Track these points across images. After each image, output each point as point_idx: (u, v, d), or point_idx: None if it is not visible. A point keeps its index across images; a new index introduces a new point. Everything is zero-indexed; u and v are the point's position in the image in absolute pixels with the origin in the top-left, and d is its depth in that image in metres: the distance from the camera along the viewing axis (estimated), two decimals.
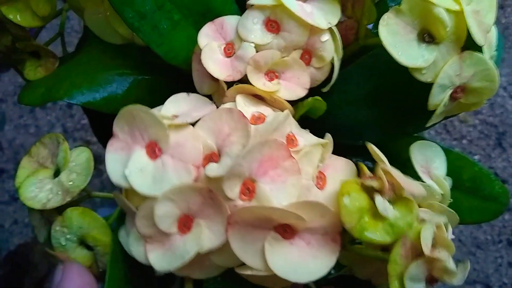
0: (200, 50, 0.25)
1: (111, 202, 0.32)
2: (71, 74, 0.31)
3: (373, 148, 0.24)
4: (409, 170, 0.32)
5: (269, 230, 0.21)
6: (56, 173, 0.28)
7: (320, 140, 0.24)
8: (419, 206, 0.26)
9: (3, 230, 0.81)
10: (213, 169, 0.20)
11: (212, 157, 0.21)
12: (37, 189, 0.27)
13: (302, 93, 0.26)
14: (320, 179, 0.23)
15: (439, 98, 0.25)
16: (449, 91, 0.25)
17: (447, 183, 0.27)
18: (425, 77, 0.25)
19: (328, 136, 0.24)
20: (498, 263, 0.81)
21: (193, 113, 0.23)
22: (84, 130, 0.89)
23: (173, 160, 0.21)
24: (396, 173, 0.22)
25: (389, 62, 0.25)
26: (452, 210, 0.26)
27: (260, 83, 0.25)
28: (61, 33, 0.37)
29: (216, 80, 0.26)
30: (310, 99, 0.25)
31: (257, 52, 0.25)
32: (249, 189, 0.21)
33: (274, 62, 0.25)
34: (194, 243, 0.20)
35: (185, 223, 0.21)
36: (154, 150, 0.21)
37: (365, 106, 0.28)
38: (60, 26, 0.36)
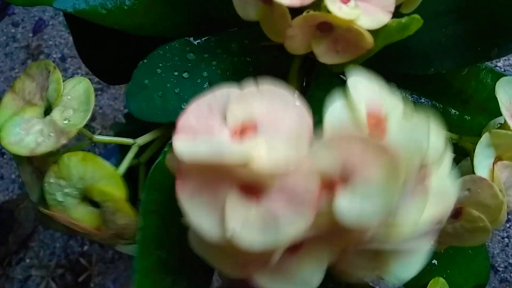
0: None
1: (117, 149, 0.26)
2: None
3: None
4: (471, 107, 0.27)
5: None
6: (47, 112, 0.22)
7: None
8: (500, 158, 0.22)
9: None
10: (348, 212, 0.15)
11: (334, 187, 0.15)
12: (23, 131, 0.21)
13: (385, 18, 0.19)
14: None
15: None
16: None
17: None
18: None
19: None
20: (505, 243, 0.78)
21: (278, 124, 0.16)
22: None
23: (282, 203, 0.15)
24: None
25: None
26: None
27: (335, 7, 0.18)
28: None
29: (267, 1, 0.19)
30: (403, 20, 0.19)
31: None
32: None
33: None
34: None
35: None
36: (250, 189, 0.15)
37: (445, 23, 0.23)
38: None
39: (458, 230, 0.23)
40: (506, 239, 0.77)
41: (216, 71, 0.23)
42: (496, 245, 0.76)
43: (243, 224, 0.15)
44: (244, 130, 0.16)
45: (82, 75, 0.68)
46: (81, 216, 0.20)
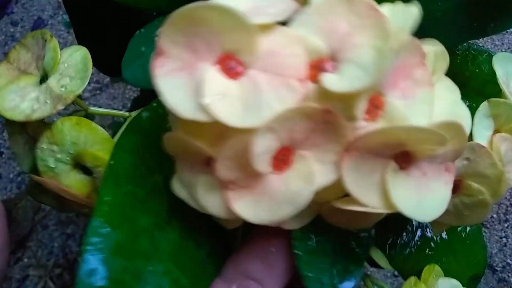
0: None
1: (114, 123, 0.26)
2: None
3: None
4: (468, 90, 0.27)
5: (389, 159, 0.16)
6: (43, 81, 0.22)
7: (438, 47, 0.18)
8: (498, 131, 0.22)
9: None
10: (336, 83, 0.14)
11: (322, 64, 0.15)
12: (19, 97, 0.21)
13: None
14: None
15: None
16: None
17: None
18: None
19: (439, 44, 0.19)
20: (503, 243, 0.78)
21: (267, 9, 0.16)
22: None
23: (267, 75, 0.15)
24: None
25: None
26: None
27: None
28: None
29: None
30: None
31: None
32: (376, 106, 0.15)
33: None
34: (303, 180, 0.15)
35: (283, 158, 0.15)
36: (231, 66, 0.15)
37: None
38: None
39: (457, 206, 0.22)
40: (504, 239, 0.77)
41: None
42: (494, 245, 0.76)
43: (222, 98, 0.14)
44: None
45: None
46: (72, 183, 0.20)
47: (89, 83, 0.22)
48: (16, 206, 0.64)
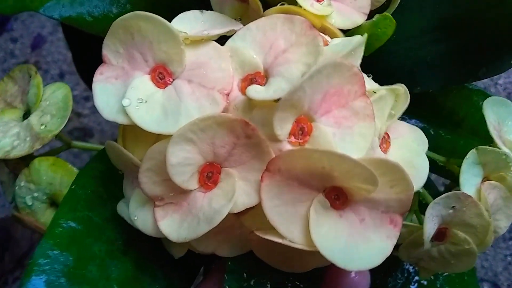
0: None
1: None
2: None
3: None
4: (463, 130, 0.27)
5: (317, 191, 0.15)
6: (26, 115, 0.22)
7: (395, 86, 0.17)
8: (487, 178, 0.21)
9: None
10: (260, 92, 0.14)
11: (256, 78, 0.15)
12: (1, 133, 0.21)
13: (360, 19, 0.19)
14: (384, 141, 0.18)
15: None
16: None
17: None
18: None
19: (402, 86, 0.18)
20: (508, 261, 0.76)
21: (213, 30, 0.17)
22: (75, 102, 0.83)
23: (191, 85, 0.15)
24: None
25: None
26: None
27: (307, 3, 0.18)
28: None
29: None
30: (375, 19, 0.19)
31: None
32: (303, 130, 0.15)
33: None
34: (225, 198, 0.15)
35: (210, 175, 0.15)
36: (162, 76, 0.15)
37: (429, 41, 0.22)
38: None
39: (443, 254, 0.21)
40: (508, 257, 0.75)
41: None
42: (498, 264, 0.74)
43: (144, 103, 0.14)
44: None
45: (80, 91, 0.69)
46: (48, 220, 0.20)
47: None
48: (14, 224, 0.64)
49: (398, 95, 0.17)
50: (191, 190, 0.15)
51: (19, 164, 0.21)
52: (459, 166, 0.22)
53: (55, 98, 0.21)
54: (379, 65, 0.22)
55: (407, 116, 0.27)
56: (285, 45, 0.15)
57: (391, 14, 0.20)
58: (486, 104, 0.22)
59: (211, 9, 0.20)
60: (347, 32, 0.19)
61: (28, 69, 0.22)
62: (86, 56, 0.32)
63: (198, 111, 0.14)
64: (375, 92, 0.16)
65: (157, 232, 0.15)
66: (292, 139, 0.15)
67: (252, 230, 0.16)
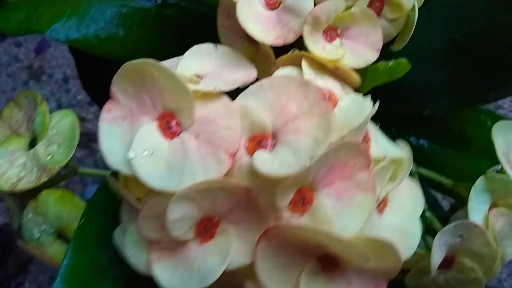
0: (228, 0, 0.18)
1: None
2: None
3: None
4: (472, 150, 0.26)
5: (310, 257, 0.15)
6: (32, 143, 0.22)
7: (401, 154, 0.17)
8: (496, 205, 0.21)
9: None
10: (266, 163, 0.14)
11: (263, 140, 0.15)
12: (7, 163, 0.21)
13: (372, 56, 0.18)
14: (382, 201, 0.18)
15: None
16: None
17: None
18: None
19: (407, 149, 0.18)
20: None
21: (225, 75, 0.17)
22: (79, 106, 0.83)
23: (198, 142, 0.15)
24: None
25: (475, 5, 0.19)
26: None
27: (318, 47, 0.18)
28: None
29: (253, 41, 0.19)
30: (390, 64, 0.18)
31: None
32: (304, 200, 0.15)
33: (336, 16, 0.18)
34: (219, 255, 0.15)
35: (207, 228, 0.15)
36: (170, 125, 0.15)
37: (439, 64, 0.22)
38: None
39: (449, 281, 0.21)
40: None
41: None
42: (503, 270, 0.74)
43: (150, 155, 0.14)
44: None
45: (84, 96, 0.68)
46: (56, 252, 0.20)
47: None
48: None
49: (401, 164, 0.17)
50: (187, 240, 0.15)
51: (26, 195, 0.21)
52: (467, 190, 0.22)
53: (62, 126, 0.21)
54: (391, 88, 0.22)
55: (415, 136, 0.27)
56: (297, 112, 0.15)
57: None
58: (495, 129, 0.22)
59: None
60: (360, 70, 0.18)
61: (34, 96, 0.22)
62: (89, 68, 0.32)
63: (202, 171, 0.14)
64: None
65: (150, 273, 0.15)
66: (292, 207, 0.15)
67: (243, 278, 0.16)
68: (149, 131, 0.15)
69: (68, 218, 0.19)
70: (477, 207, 0.21)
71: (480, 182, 0.21)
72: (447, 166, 0.26)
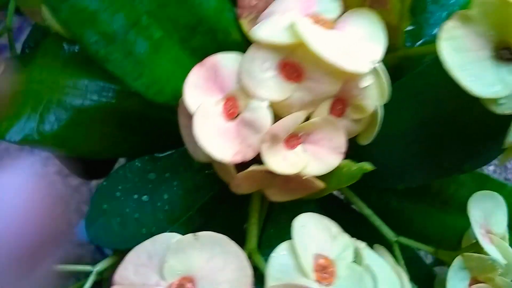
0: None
1: None
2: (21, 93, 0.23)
3: None
4: (451, 208, 0.27)
5: None
6: None
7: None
8: (476, 280, 0.21)
9: None
10: None
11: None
12: None
13: (336, 160, 0.18)
14: None
15: None
16: None
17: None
18: (502, 109, 0.18)
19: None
20: None
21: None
22: None
23: None
24: None
25: (443, 84, 0.18)
26: None
27: (278, 159, 0.17)
28: (8, 29, 0.29)
29: None
30: (353, 168, 0.18)
31: (271, 108, 0.17)
32: None
33: (297, 126, 0.18)
34: None
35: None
36: None
37: (409, 142, 0.22)
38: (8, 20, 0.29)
39: None
40: None
41: (178, 192, 0.22)
42: None
43: None
44: (181, 286, 0.16)
45: None
46: None
47: None
48: None
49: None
50: None
51: None
52: (449, 257, 0.22)
53: None
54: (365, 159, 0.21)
55: (395, 197, 0.26)
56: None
57: None
58: (471, 203, 0.22)
59: None
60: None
61: None
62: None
63: None
64: None
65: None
66: None
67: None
68: None
69: None
70: (456, 285, 0.21)
71: (457, 261, 0.21)
72: (428, 224, 0.26)
